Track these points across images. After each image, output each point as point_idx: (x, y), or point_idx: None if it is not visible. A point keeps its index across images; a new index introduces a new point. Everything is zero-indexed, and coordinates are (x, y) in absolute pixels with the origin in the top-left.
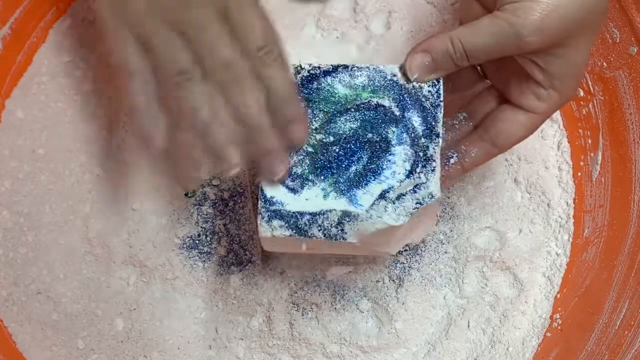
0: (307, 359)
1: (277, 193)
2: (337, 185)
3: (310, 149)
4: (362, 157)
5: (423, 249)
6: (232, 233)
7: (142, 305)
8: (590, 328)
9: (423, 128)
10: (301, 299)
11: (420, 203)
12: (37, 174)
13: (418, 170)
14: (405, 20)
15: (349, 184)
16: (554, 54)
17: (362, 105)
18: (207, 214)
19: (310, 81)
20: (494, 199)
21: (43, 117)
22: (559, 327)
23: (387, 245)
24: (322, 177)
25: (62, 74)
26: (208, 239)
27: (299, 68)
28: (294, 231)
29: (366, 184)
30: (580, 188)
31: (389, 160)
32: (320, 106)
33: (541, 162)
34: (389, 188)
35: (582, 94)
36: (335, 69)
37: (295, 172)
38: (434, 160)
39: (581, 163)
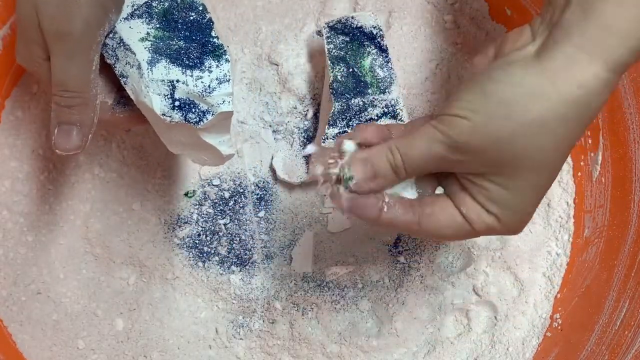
0: (307, 359)
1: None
2: (158, 41)
3: (195, 13)
4: (203, 43)
5: (423, 249)
6: (232, 233)
7: (142, 305)
8: (591, 328)
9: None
10: (301, 299)
11: (193, 116)
12: (37, 174)
13: (211, 91)
14: (405, 20)
15: (165, 49)
16: (493, 181)
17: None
18: (207, 214)
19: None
20: None
21: (43, 117)
22: (559, 327)
23: (160, 130)
24: (158, 25)
25: None
26: (208, 238)
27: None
28: (112, 33)
29: (173, 61)
30: (580, 188)
31: (209, 68)
32: None
33: None
34: (183, 82)
35: None
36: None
37: (157, 7)
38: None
39: (581, 163)
